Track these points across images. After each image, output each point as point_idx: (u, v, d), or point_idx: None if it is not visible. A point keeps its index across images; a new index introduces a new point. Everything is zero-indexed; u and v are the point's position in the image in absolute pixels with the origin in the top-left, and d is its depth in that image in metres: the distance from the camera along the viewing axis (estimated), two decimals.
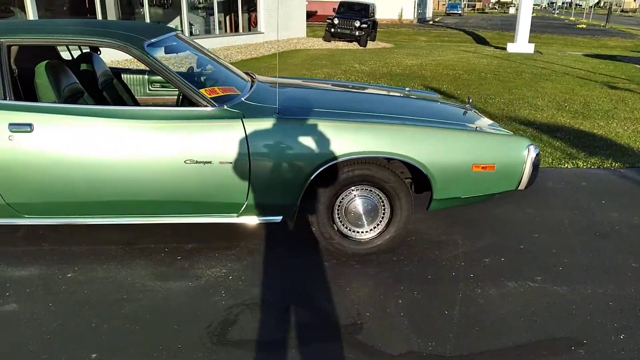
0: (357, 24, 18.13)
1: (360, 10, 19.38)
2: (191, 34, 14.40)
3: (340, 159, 2.73)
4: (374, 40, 20.40)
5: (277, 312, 2.46)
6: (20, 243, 3.05)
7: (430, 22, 36.47)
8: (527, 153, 2.91)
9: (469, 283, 2.77)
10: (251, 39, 17.68)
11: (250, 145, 2.68)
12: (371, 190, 2.92)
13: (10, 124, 2.55)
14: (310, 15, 26.73)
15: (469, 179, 2.88)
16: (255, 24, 18.47)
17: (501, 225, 3.53)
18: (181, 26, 14.06)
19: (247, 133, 2.68)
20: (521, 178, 2.95)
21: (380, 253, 3.04)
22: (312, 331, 2.33)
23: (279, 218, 2.90)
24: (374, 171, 2.84)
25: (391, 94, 3.77)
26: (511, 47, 17.70)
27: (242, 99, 2.90)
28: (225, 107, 2.74)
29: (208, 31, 15.89)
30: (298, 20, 21.36)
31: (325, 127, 2.74)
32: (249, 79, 3.55)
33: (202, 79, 3.40)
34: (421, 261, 3.00)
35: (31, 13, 10.00)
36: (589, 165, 4.97)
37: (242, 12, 17.51)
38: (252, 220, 2.89)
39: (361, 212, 2.94)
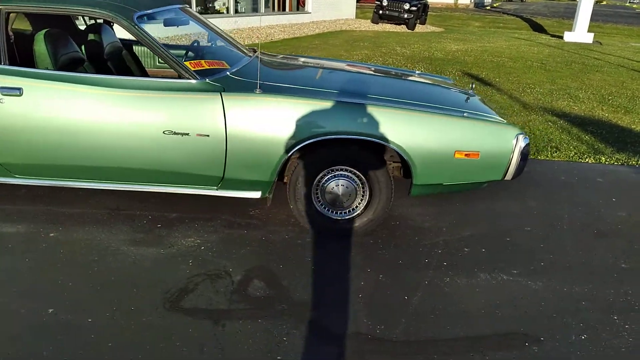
0: (406, 6, 17.71)
1: None
2: (236, 11, 14.54)
3: (316, 138, 2.72)
4: (424, 23, 19.90)
5: (236, 285, 2.50)
6: (18, 202, 3.23)
7: (488, 7, 35.11)
8: (515, 142, 2.79)
9: (439, 271, 2.71)
10: (298, 18, 17.65)
11: (227, 119, 2.70)
12: (351, 172, 2.89)
13: (1, 87, 2.69)
14: None
15: (452, 165, 2.80)
16: (304, 4, 18.40)
17: (494, 216, 3.41)
18: (227, 3, 14.20)
19: (224, 107, 2.70)
20: (508, 168, 2.83)
21: (359, 235, 3.02)
22: (263, 306, 2.35)
23: (258, 194, 2.92)
24: (354, 152, 2.81)
25: (390, 75, 3.68)
26: (568, 36, 16.83)
27: (228, 73, 2.92)
28: (207, 80, 2.77)
29: (255, 9, 15.98)
30: (347, 1, 21.12)
31: (303, 105, 2.73)
32: (251, 55, 3.57)
33: (199, 52, 3.45)
34: (398, 246, 2.95)
35: None
36: (612, 162, 4.71)
37: None
38: (231, 194, 2.93)
39: (340, 192, 2.91)
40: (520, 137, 2.79)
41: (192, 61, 2.87)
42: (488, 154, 2.79)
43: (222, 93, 2.72)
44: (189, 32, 3.71)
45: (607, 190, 3.97)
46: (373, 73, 3.68)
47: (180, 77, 2.77)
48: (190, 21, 3.63)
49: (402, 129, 2.73)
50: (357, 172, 2.89)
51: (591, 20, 17.31)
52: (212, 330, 2.18)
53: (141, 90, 2.72)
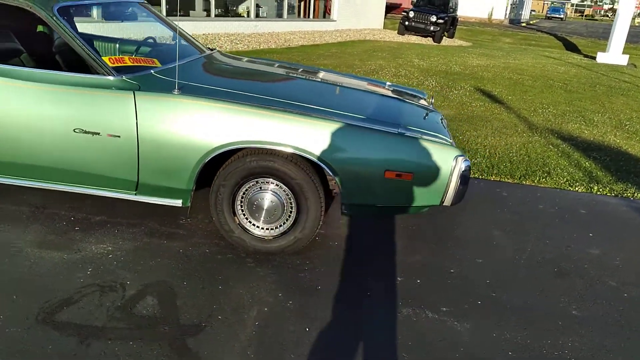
0: (433, 18, 17.38)
1: (440, 5, 18.56)
2: (257, 16, 14.50)
3: (234, 146, 2.50)
4: (452, 37, 19.52)
5: (125, 300, 2.29)
6: None
7: (523, 24, 34.28)
8: (453, 164, 2.50)
9: (358, 302, 2.44)
10: (322, 26, 17.54)
11: (139, 120, 2.51)
12: (278, 185, 2.66)
13: None
14: (394, 7, 26.09)
15: (382, 186, 2.53)
16: (330, 12, 18.29)
17: (448, 243, 3.11)
18: (249, 8, 14.18)
19: (137, 106, 2.51)
20: (446, 192, 2.54)
21: (286, 254, 2.77)
22: (143, 326, 2.13)
23: (178, 202, 2.71)
24: (278, 164, 2.57)
25: (344, 85, 3.42)
26: (601, 57, 16.16)
27: (152, 71, 2.74)
28: (123, 77, 2.59)
29: (279, 15, 15.93)
30: (375, 11, 20.91)
31: (223, 109, 2.51)
32: (203, 54, 3.39)
33: (139, 48, 3.28)
34: (326, 270, 2.69)
35: None
36: (605, 192, 4.32)
37: None
38: (151, 200, 2.73)
39: (265, 206, 2.68)
40: (460, 159, 2.50)
41: (113, 57, 2.69)
42: (422, 176, 2.50)
43: (135, 92, 2.52)
44: (145, 28, 3.53)
45: (586, 224, 3.61)
46: (328, 82, 3.43)
47: (97, 73, 2.59)
48: (146, 18, 3.48)
49: (328, 142, 2.48)
50: (284, 186, 2.64)
51: (628, 41, 16.59)
52: (74, 349, 1.97)
53: (54, 84, 2.56)
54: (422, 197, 2.57)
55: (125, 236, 2.83)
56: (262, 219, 2.71)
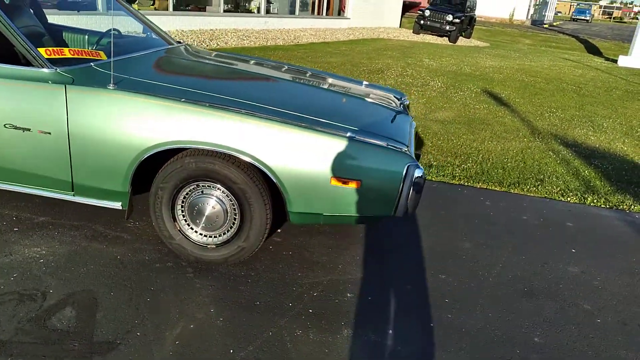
0: (449, 18, 17.01)
1: (457, 4, 18.17)
2: (268, 12, 14.34)
3: (168, 146, 2.32)
4: (468, 37, 19.12)
5: (41, 311, 2.12)
6: None
7: (546, 25, 33.48)
8: (404, 172, 2.28)
9: (297, 320, 2.24)
10: (335, 23, 17.31)
11: (69, 116, 2.35)
12: (220, 190, 2.47)
13: None
14: (413, 5, 25.71)
15: (328, 193, 2.33)
16: (344, 9, 18.05)
17: (412, 255, 2.88)
18: (259, 4, 14.02)
19: (67, 101, 2.35)
20: (397, 202, 2.32)
21: (230, 264, 2.59)
22: (51, 342, 1.97)
23: (117, 204, 2.55)
24: (219, 167, 2.38)
25: (305, 83, 3.21)
26: (622, 61, 15.62)
27: (92, 64, 2.57)
28: (57, 70, 2.43)
29: (291, 12, 15.76)
30: (392, 10, 20.60)
31: (159, 106, 2.34)
32: (163, 47, 3.23)
33: (100, 39, 3.13)
34: (268, 282, 2.50)
35: None
36: (600, 204, 4.03)
37: None
38: (90, 202, 2.57)
39: (205, 212, 2.50)
40: (411, 166, 2.28)
41: (50, 48, 2.53)
42: (371, 184, 2.29)
43: (67, 85, 2.36)
44: (95, 17, 3.38)
45: (571, 238, 3.34)
46: (293, 80, 3.23)
47: (31, 65, 2.44)
48: (117, 11, 3.34)
49: (270, 145, 2.29)
50: (226, 191, 2.46)
51: None
52: None
53: None
54: (372, 206, 2.35)
55: (64, 239, 2.68)
56: (203, 225, 2.53)
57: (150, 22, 3.77)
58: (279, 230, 2.99)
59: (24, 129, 2.39)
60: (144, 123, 2.32)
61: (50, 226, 2.79)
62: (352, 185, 2.29)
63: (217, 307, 2.27)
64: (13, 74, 2.43)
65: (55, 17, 3.65)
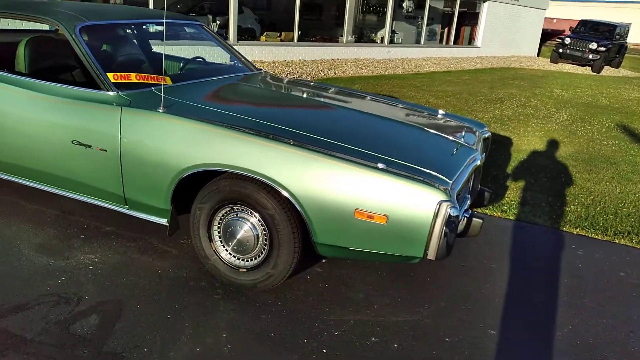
0: (593, 46, 15.55)
1: (605, 31, 16.57)
2: (392, 41, 14.38)
3: (202, 168, 2.37)
4: (617, 67, 17.29)
5: (70, 315, 2.26)
6: None
7: None
8: (436, 210, 2.05)
9: (298, 356, 2.10)
10: (463, 52, 16.80)
11: (122, 135, 2.52)
12: (252, 214, 2.45)
13: None
14: (556, 34, 24.03)
15: (353, 227, 2.18)
16: (475, 38, 17.47)
17: (463, 304, 2.58)
18: (384, 34, 14.14)
19: (121, 122, 2.52)
20: (428, 243, 2.10)
21: (262, 292, 2.54)
22: (65, 346, 2.07)
23: (164, 220, 2.66)
24: (250, 191, 2.37)
25: (369, 112, 3.07)
26: None
27: (153, 89, 2.75)
28: (119, 93, 2.63)
29: (417, 41, 15.65)
30: (529, 38, 19.45)
31: (200, 130, 2.41)
32: (249, 73, 3.43)
33: (185, 66, 3.37)
34: (291, 314, 2.40)
35: None
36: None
37: (458, 24, 16.71)
38: (142, 216, 2.72)
39: (237, 235, 2.49)
40: (445, 204, 2.04)
41: (118, 73, 2.75)
42: (398, 220, 2.09)
43: (123, 107, 2.54)
44: (204, 49, 3.66)
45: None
46: (354, 108, 3.12)
47: (99, 88, 2.67)
48: (196, 38, 3.59)
49: (296, 172, 2.22)
50: (257, 216, 2.43)
51: None
52: None
53: (57, 96, 2.70)
54: (401, 245, 2.15)
55: (119, 249, 2.85)
56: (235, 248, 2.52)
57: (236, 51, 3.95)
58: (323, 260, 2.88)
59: (86, 146, 2.61)
60: (183, 145, 2.40)
61: (112, 236, 2.99)
62: (378, 220, 2.12)
63: (230, 333, 2.23)
64: (84, 96, 2.68)
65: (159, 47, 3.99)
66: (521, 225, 3.67)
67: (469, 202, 2.79)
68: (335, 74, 10.75)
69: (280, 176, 2.23)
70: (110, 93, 2.64)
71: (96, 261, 2.72)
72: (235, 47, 10.14)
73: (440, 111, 3.46)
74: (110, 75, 2.71)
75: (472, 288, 2.75)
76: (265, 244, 2.46)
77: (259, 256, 2.50)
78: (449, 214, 2.04)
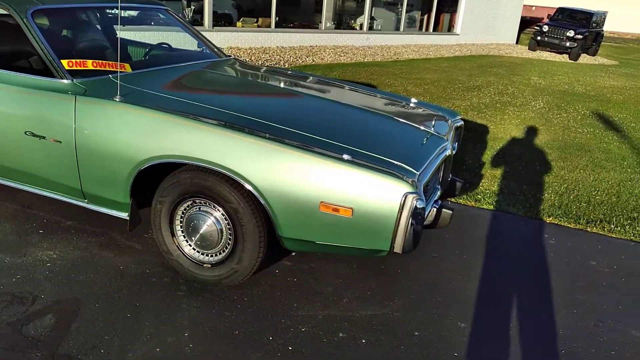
0: (570, 33, 15.65)
1: (582, 19, 16.69)
2: (371, 28, 14.27)
3: (160, 160, 2.27)
4: (594, 55, 17.46)
5: (23, 316, 2.15)
6: None
7: None
8: (401, 202, 1.99)
9: (262, 354, 2.04)
10: (442, 39, 16.76)
11: (77, 126, 2.40)
12: (215, 207, 2.36)
13: None
14: (535, 21, 24.16)
15: (318, 220, 2.11)
16: (454, 25, 17.44)
17: (430, 296, 2.54)
18: (362, 21, 14.01)
19: (76, 112, 2.40)
20: (394, 236, 2.03)
21: (228, 288, 2.46)
22: (16, 348, 1.97)
23: (124, 214, 2.55)
24: (213, 184, 2.27)
25: (336, 100, 2.99)
26: None
27: (111, 76, 2.62)
28: (74, 81, 2.50)
29: (396, 28, 15.55)
30: (508, 26, 19.49)
31: (157, 120, 2.29)
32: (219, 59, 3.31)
33: (145, 54, 3.23)
34: (257, 311, 2.32)
35: None
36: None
37: (438, 11, 16.65)
38: (102, 210, 2.61)
39: (200, 230, 2.40)
40: (410, 196, 1.98)
41: (73, 60, 2.61)
42: (363, 213, 2.03)
43: (77, 96, 2.41)
44: (169, 34, 3.52)
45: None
46: (322, 97, 3.03)
47: (52, 75, 2.54)
48: (166, 24, 3.46)
49: (260, 164, 2.13)
50: (221, 210, 2.34)
51: None
52: None
53: (11, 85, 2.56)
54: (367, 238, 2.09)
55: (80, 244, 2.74)
56: (198, 242, 2.43)
57: (204, 37, 3.82)
58: (293, 254, 2.81)
59: (40, 137, 2.48)
60: (140, 136, 2.29)
61: (72, 231, 2.87)
62: (344, 214, 2.05)
63: (192, 332, 2.15)
64: (37, 84, 2.54)
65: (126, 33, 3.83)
66: (495, 214, 3.65)
67: (439, 192, 2.74)
68: (314, 61, 10.62)
69: (242, 168, 2.14)
70: (64, 81, 2.51)
71: (54, 257, 2.60)
72: (210, 33, 9.96)
73: (413, 99, 3.39)
74: (64, 62, 2.57)
75: (443, 280, 2.71)
76: (229, 239, 2.37)
77: (223, 251, 2.41)
78: (415, 206, 1.98)
